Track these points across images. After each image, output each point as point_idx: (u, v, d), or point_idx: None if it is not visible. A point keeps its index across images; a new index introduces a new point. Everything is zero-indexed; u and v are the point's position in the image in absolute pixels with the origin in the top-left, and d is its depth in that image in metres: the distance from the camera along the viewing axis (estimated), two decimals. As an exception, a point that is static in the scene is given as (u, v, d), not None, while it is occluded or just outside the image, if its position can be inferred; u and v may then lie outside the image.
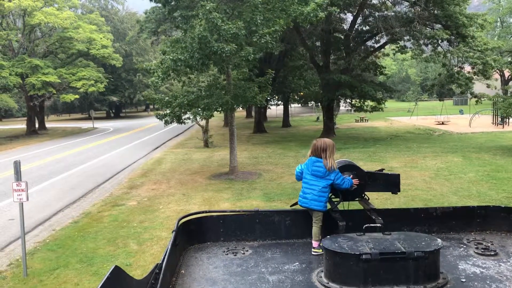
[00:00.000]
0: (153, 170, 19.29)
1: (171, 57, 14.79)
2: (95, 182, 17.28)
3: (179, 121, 17.05)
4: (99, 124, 55.43)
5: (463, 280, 3.03)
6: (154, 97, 17.75)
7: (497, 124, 32.60)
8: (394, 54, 36.17)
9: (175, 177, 17.21)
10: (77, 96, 47.30)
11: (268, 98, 30.31)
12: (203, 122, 26.21)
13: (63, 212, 13.02)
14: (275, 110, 56.19)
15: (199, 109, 16.46)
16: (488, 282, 2.99)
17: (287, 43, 28.48)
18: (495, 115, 32.96)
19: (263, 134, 34.66)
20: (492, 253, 3.47)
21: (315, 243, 3.60)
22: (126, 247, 9.44)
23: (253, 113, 44.47)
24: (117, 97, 69.70)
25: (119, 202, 13.57)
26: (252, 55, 15.03)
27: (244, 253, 3.62)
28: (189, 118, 18.55)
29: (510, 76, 52.34)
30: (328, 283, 2.91)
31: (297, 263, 3.36)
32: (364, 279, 2.80)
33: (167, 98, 16.85)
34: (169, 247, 3.07)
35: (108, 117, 76.45)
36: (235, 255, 3.57)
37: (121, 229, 10.72)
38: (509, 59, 45.99)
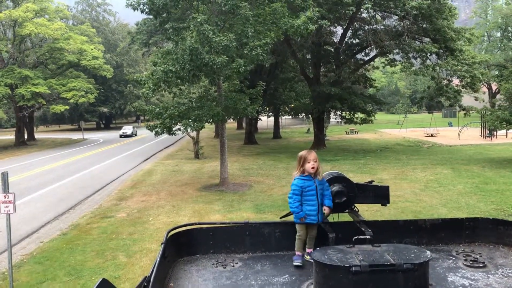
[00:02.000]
0: (143, 181, 19.17)
1: (162, 69, 14.81)
2: (84, 194, 17.13)
3: (170, 132, 17.01)
4: (89, 135, 55.10)
5: (452, 292, 3.03)
6: (144, 108, 17.72)
7: (485, 136, 32.95)
8: (383, 67, 36.56)
9: (165, 188, 17.11)
10: (67, 107, 47.10)
11: (259, 110, 30.33)
12: (193, 133, 26.18)
13: (51, 224, 12.87)
14: (266, 121, 56.33)
15: (190, 120, 16.46)
16: (476, 294, 3.00)
17: (278, 55, 28.67)
18: (483, 128, 33.32)
19: (254, 145, 34.69)
20: (481, 265, 3.49)
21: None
22: (115, 260, 9.33)
23: (244, 125, 44.54)
24: (107, 108, 69.48)
25: (108, 214, 13.44)
26: (243, 67, 15.09)
27: (233, 266, 3.59)
28: (179, 129, 18.51)
29: (497, 89, 53.06)
30: (318, 296, 2.89)
31: (287, 276, 3.35)
32: (354, 291, 2.80)
33: (157, 109, 16.82)
34: (158, 259, 3.05)
35: (98, 128, 76.08)
36: (225, 268, 3.55)
37: (110, 241, 10.60)
38: (496, 73, 46.69)
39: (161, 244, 3.38)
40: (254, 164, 23.15)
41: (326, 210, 3.81)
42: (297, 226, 3.80)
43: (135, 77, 17.18)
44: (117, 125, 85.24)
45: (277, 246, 3.92)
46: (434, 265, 3.44)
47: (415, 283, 2.86)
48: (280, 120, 46.30)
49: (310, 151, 3.81)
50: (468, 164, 20.40)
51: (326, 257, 2.96)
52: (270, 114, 46.56)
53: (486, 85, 50.77)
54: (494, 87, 53.23)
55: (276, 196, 14.76)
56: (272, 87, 33.60)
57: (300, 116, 57.90)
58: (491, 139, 31.68)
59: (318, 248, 3.18)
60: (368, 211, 10.70)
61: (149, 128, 17.23)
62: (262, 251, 3.90)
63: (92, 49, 44.48)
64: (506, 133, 29.66)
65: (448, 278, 3.28)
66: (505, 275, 3.34)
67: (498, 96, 33.71)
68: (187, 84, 17.42)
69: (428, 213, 11.83)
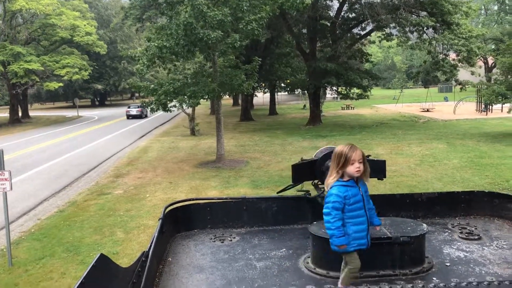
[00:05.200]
0: (139, 158, 19.17)
1: (156, 44, 14.62)
2: (80, 171, 17.13)
3: (165, 109, 16.92)
4: (84, 113, 54.80)
5: (448, 264, 3.07)
6: (139, 84, 17.56)
7: (481, 111, 32.99)
8: (380, 42, 36.29)
9: (162, 165, 17.13)
10: (61, 84, 46.63)
11: (255, 86, 30.19)
12: (189, 110, 26.07)
13: (48, 201, 12.89)
14: (261, 98, 56.10)
15: (185, 97, 16.35)
16: (471, 265, 3.04)
17: (273, 30, 28.33)
18: (479, 102, 33.33)
19: (250, 122, 34.62)
20: (476, 237, 3.53)
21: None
22: (113, 236, 9.39)
23: (239, 101, 44.36)
24: (102, 85, 68.89)
25: (105, 191, 13.47)
26: (239, 42, 14.93)
27: (231, 240, 3.62)
28: (175, 106, 18.41)
29: (493, 64, 52.89)
30: (315, 268, 2.93)
31: (284, 249, 3.38)
32: (351, 264, 2.82)
33: (152, 85, 16.69)
34: (156, 234, 3.06)
35: (93, 105, 75.64)
36: (222, 242, 3.58)
37: (108, 218, 10.66)
38: (493, 47, 46.42)
39: (159, 220, 3.39)
40: (250, 141, 23.16)
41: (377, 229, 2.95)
42: (348, 255, 2.73)
43: (129, 53, 17.01)
44: (112, 102, 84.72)
45: (274, 221, 3.94)
46: (430, 238, 3.47)
47: (411, 255, 2.89)
48: (276, 96, 46.11)
49: (353, 147, 2.79)
50: (463, 139, 20.47)
51: (323, 230, 2.98)
52: (266, 90, 46.34)
53: (482, 59, 50.55)
54: (490, 61, 53.02)
55: (272, 172, 14.81)
56: (268, 62, 33.33)
57: (296, 92, 57.65)
58: (487, 114, 31.73)
59: (315, 222, 3.20)
60: (364, 186, 10.77)
61: (144, 104, 17.12)
62: (259, 226, 3.92)
63: (85, 25, 43.79)
64: (502, 107, 29.69)
65: (444, 251, 3.32)
66: (500, 247, 3.39)
67: (494, 70, 33.60)
68: (181, 60, 17.23)
69: (423, 187, 11.91)
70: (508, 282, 1.53)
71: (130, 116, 44.30)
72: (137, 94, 76.07)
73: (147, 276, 2.47)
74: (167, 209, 3.64)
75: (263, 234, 3.77)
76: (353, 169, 2.74)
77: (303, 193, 3.93)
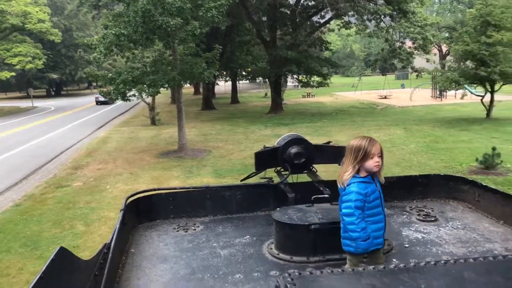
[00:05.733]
0: (98, 149, 18.72)
1: (113, 32, 14.23)
2: (37, 163, 16.56)
3: (124, 98, 16.55)
4: (39, 103, 52.85)
5: (407, 245, 3.18)
6: (96, 73, 17.07)
7: (436, 97, 34.09)
8: (339, 30, 36.71)
9: (122, 156, 16.80)
10: (13, 74, 44.76)
11: (216, 74, 29.98)
12: (149, 99, 25.62)
13: (3, 195, 12.41)
14: (223, 86, 55.81)
15: (145, 85, 16.04)
16: (429, 246, 3.16)
17: (233, 17, 28.13)
18: (434, 89, 34.42)
19: (212, 110, 34.42)
20: (433, 219, 3.67)
21: None
22: (73, 229, 9.17)
23: (201, 90, 43.97)
24: (57, 74, 66.50)
25: (63, 183, 13.10)
26: (199, 30, 14.75)
27: (195, 229, 3.61)
28: (134, 95, 18.03)
29: (447, 51, 54.69)
30: (278, 254, 2.96)
31: (248, 236, 3.40)
32: (314, 249, 2.88)
33: (110, 74, 16.27)
34: (118, 226, 3.01)
35: (48, 96, 73.01)
36: (186, 232, 3.56)
37: (67, 211, 10.39)
38: (447, 35, 47.88)
39: (121, 211, 3.33)
40: (212, 130, 23.05)
41: None
42: (351, 259, 2.61)
43: (85, 41, 16.47)
44: (69, 92, 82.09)
45: (238, 209, 3.96)
46: (389, 220, 3.58)
47: (371, 238, 2.97)
48: (237, 84, 45.97)
49: (372, 140, 2.65)
50: (419, 124, 21.12)
51: (287, 216, 3.02)
52: (227, 78, 46.12)
53: (437, 47, 52.13)
54: (444, 49, 54.77)
55: (235, 161, 14.82)
56: (229, 50, 33.13)
57: (257, 81, 57.71)
58: (441, 100, 32.82)
59: (278, 208, 3.23)
60: (326, 172, 10.95)
61: (102, 94, 16.69)
62: (223, 214, 3.93)
63: (37, 12, 42.03)
64: (455, 93, 30.78)
65: (403, 233, 3.43)
66: (455, 227, 3.53)
67: (448, 58, 34.73)
68: (140, 48, 16.84)
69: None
70: (463, 260, 1.59)
71: (99, 102, 46.48)
72: (94, 84, 73.99)
73: (109, 268, 2.43)
74: (129, 200, 3.58)
75: (227, 222, 3.77)
76: (372, 163, 2.59)
77: (266, 180, 3.96)
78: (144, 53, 19.38)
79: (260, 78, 46.98)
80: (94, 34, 54.68)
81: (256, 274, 2.74)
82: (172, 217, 3.87)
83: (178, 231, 3.59)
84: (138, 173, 13.84)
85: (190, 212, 3.90)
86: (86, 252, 7.64)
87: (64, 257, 2.32)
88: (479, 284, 1.48)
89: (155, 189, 4.02)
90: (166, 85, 16.47)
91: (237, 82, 46.01)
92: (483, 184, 3.88)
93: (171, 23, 13.77)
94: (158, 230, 3.66)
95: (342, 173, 2.65)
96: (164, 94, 39.53)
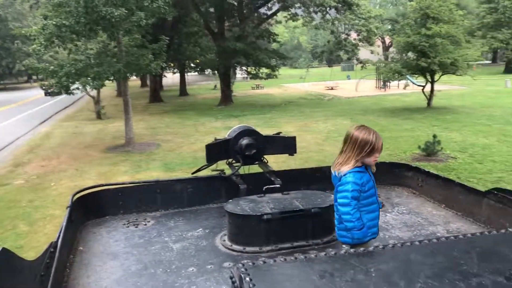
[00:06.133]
0: (41, 145, 17.93)
1: (54, 23, 13.62)
2: (-27, 162, 15.64)
3: (67, 91, 15.93)
4: (-28, 98, 49.81)
5: (355, 231, 3.27)
6: (37, 66, 16.28)
7: (380, 88, 35.20)
8: (286, 22, 37.05)
9: (67, 152, 16.19)
10: None
11: (163, 66, 29.45)
12: (94, 92, 24.79)
13: None
14: (171, 78, 54.90)
15: (89, 78, 15.50)
16: (376, 231, 3.27)
17: (180, 8, 27.68)
18: (378, 80, 35.52)
19: (160, 103, 33.82)
20: (380, 205, 3.80)
21: None
22: (15, 229, 8.76)
23: (148, 82, 43.06)
24: (-8, 67, 62.94)
25: (3, 182, 12.46)
26: (144, 21, 14.41)
27: (146, 224, 3.55)
28: (78, 88, 17.41)
29: (390, 43, 56.58)
30: (231, 245, 2.97)
31: (201, 229, 3.39)
32: (266, 238, 2.91)
33: (52, 67, 15.58)
34: (64, 223, 2.90)
35: (-17, 90, 68.95)
36: (137, 227, 3.49)
37: (8, 210, 9.89)
38: (389, 27, 49.43)
39: (67, 208, 3.22)
40: (161, 123, 22.67)
41: None
42: (362, 246, 2.48)
43: (23, 32, 15.66)
44: (6, 86, 77.90)
45: (190, 202, 3.93)
46: None
47: (322, 225, 3.04)
48: (186, 76, 45.38)
49: (378, 135, 2.64)
50: (365, 114, 21.76)
51: (239, 208, 3.02)
52: (175, 70, 45.40)
53: (380, 39, 53.75)
54: (387, 40, 56.62)
55: (185, 154, 14.67)
56: (176, 42, 32.60)
57: (206, 72, 57.23)
58: (385, 90, 33.94)
59: (230, 200, 3.24)
60: (276, 163, 11.06)
61: (44, 88, 15.98)
62: (174, 208, 3.88)
63: (-32, 1, 39.47)
64: (398, 84, 31.92)
65: None
66: (400, 212, 3.68)
67: (391, 49, 35.95)
68: (83, 39, 16.24)
69: (330, 161, 12.33)
70: (410, 244, 1.67)
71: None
72: (35, 77, 70.61)
73: (56, 267, 2.34)
74: (75, 197, 3.47)
75: (179, 216, 3.74)
76: (373, 158, 2.60)
77: (217, 172, 3.95)
78: (88, 45, 18.72)
79: (209, 70, 46.60)
80: (33, 25, 52.07)
81: (209, 267, 2.73)
82: (121, 212, 3.79)
83: (128, 226, 3.52)
84: (84, 169, 13.40)
85: (140, 207, 3.83)
86: (30, 252, 7.33)
87: (6, 258, 2.22)
88: (424, 265, 1.55)
89: (102, 185, 3.91)
90: (112, 78, 16.01)
91: (186, 74, 45.41)
92: (426, 170, 4.07)
93: (115, 14, 13.36)
94: (107, 226, 3.57)
95: (340, 164, 2.61)
96: (110, 87, 38.39)
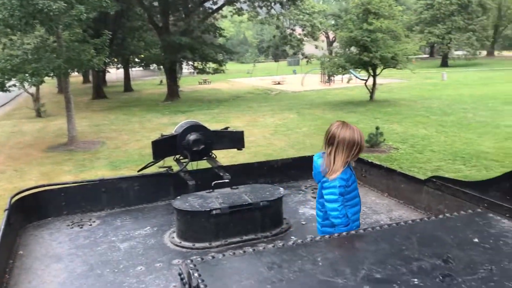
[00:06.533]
0: (-25, 146, 16.92)
1: (-15, 16, 12.85)
2: None
3: (3, 89, 15.11)
4: None
5: (303, 222, 3.34)
6: (-32, 62, 15.31)
7: (325, 82, 35.95)
8: (231, 16, 36.94)
9: (4, 152, 15.37)
10: None
11: (106, 61, 28.58)
12: (32, 89, 23.66)
13: None
14: (115, 74, 53.36)
15: (27, 75, 14.77)
16: (323, 221, 3.35)
17: (123, 2, 26.92)
18: (323, 74, 36.27)
19: (104, 100, 32.80)
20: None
21: None
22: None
23: (90, 78, 41.65)
24: None
25: None
26: (85, 15, 13.89)
27: (91, 225, 3.45)
28: (15, 85, 16.56)
29: (334, 38, 57.87)
30: (180, 242, 2.95)
31: (149, 227, 3.33)
32: (216, 234, 2.91)
33: (-15, 63, 14.71)
34: (2, 227, 2.76)
35: None
36: (81, 228, 3.38)
37: None
38: (333, 22, 50.52)
39: (5, 211, 3.06)
40: (105, 120, 22.00)
41: None
42: None
43: (-50, 25, 14.64)
44: None
45: (137, 200, 3.85)
46: (286, 200, 3.73)
47: (271, 218, 3.08)
48: (130, 72, 44.26)
49: (362, 135, 2.66)
50: (311, 108, 22.18)
51: (187, 204, 3.00)
52: (119, 66, 44.16)
53: (324, 34, 54.84)
54: (331, 35, 57.84)
55: (131, 151, 14.34)
56: (120, 36, 31.72)
57: (151, 68, 56.09)
58: (330, 84, 34.70)
59: (178, 197, 3.20)
60: (225, 158, 11.06)
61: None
62: (121, 207, 3.79)
63: None
64: (342, 78, 32.74)
65: (299, 210, 3.60)
66: (346, 202, 3.78)
67: (334, 44, 36.77)
68: (19, 33, 15.44)
69: (278, 155, 12.66)
70: (363, 230, 1.72)
71: None
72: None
73: (-5, 273, 2.23)
74: (14, 199, 3.31)
75: (126, 214, 3.66)
76: (356, 157, 2.65)
77: (165, 169, 3.90)
78: (24, 39, 17.82)
79: (154, 65, 45.69)
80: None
81: (158, 265, 2.70)
82: (65, 213, 3.65)
83: (72, 227, 3.40)
84: (24, 169, 12.79)
85: (85, 207, 3.71)
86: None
87: None
88: (368, 252, 1.60)
89: (44, 185, 3.75)
90: (52, 74, 15.34)
91: (130, 69, 44.28)
92: (369, 160, 4.21)
93: (54, 7, 12.78)
94: (49, 228, 3.43)
95: (334, 168, 2.56)
96: (50, 84, 36.80)
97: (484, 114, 17.84)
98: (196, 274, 1.40)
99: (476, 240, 1.68)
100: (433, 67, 49.08)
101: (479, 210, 2.54)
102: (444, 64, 51.63)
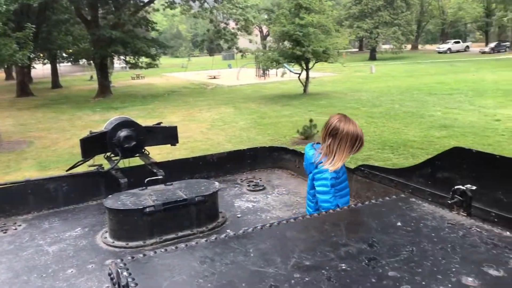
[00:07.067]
0: None
1: None
2: None
3: None
4: None
5: (239, 215, 3.37)
6: None
7: (260, 76, 36.30)
8: (164, 10, 36.25)
9: None
10: None
11: (31, 56, 27.04)
12: None
13: None
14: (41, 70, 50.66)
15: None
16: (259, 213, 3.40)
17: (47, -6, 25.58)
18: (258, 68, 36.58)
19: (30, 97, 31.03)
20: (261, 188, 3.96)
21: None
22: None
23: (14, 74, 39.23)
24: None
25: None
26: (4, 7, 13.07)
27: (16, 229, 3.26)
28: None
29: (267, 32, 58.45)
30: (113, 242, 2.87)
31: (79, 228, 3.21)
32: (150, 232, 2.86)
33: None
34: None
35: None
36: (5, 232, 3.19)
37: None
38: (266, 16, 51.01)
39: None
40: (32, 119, 20.85)
41: None
42: None
43: None
44: None
45: (66, 201, 3.69)
46: (222, 194, 3.74)
47: (206, 213, 3.07)
48: (58, 67, 42.19)
49: (361, 130, 2.70)
50: (247, 102, 22.31)
51: (119, 202, 2.92)
52: (45, 61, 41.95)
53: (258, 28, 55.27)
54: (264, 30, 58.40)
55: (61, 151, 13.71)
56: (45, 30, 30.10)
57: (81, 63, 53.82)
58: (265, 78, 35.09)
59: (110, 196, 3.10)
60: (160, 154, 10.86)
61: None
62: (49, 208, 3.62)
63: None
64: (276, 72, 33.19)
65: (235, 204, 3.62)
66: (280, 193, 3.86)
67: (268, 38, 37.18)
68: None
69: (216, 149, 12.63)
70: (285, 221, 1.76)
71: None
72: None
73: None
74: None
75: (54, 216, 3.49)
76: (358, 152, 2.68)
77: (95, 167, 3.76)
78: None
79: (84, 60, 43.88)
80: None
81: (90, 266, 2.61)
82: None
83: (-5, 233, 3.20)
84: None
85: (8, 211, 3.50)
86: None
87: None
88: (299, 241, 1.65)
89: (-40, 189, 3.50)
90: (-31, 70, 14.32)
91: (58, 64, 42.20)
92: (302, 152, 4.31)
93: (-32, -2, 11.93)
94: (-31, 235, 3.20)
95: (334, 160, 2.59)
96: (-32, 81, 34.30)
97: (410, 104, 18.83)
98: (125, 273, 1.37)
99: (399, 224, 1.77)
100: (362, 60, 51.04)
101: (403, 195, 2.68)
102: (373, 57, 53.88)
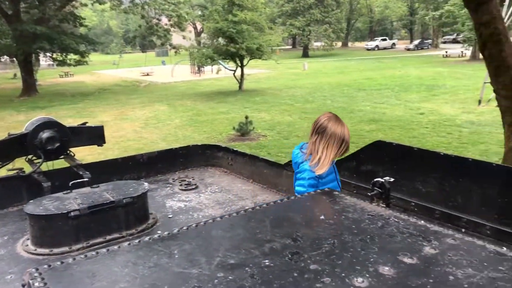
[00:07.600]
0: None
1: None
2: None
3: None
4: None
5: (170, 216, 3.32)
6: None
7: (195, 73, 35.98)
8: (92, 5, 34.87)
9: None
10: None
11: None
12: None
13: None
14: (-44, 68, 47.00)
15: None
16: (191, 213, 3.37)
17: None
18: (193, 65, 36.22)
19: None
20: (194, 187, 3.92)
21: None
22: None
23: None
24: None
25: None
26: None
27: None
28: None
29: (202, 29, 58.00)
30: (35, 249, 2.72)
31: (-2, 237, 3.01)
32: (76, 237, 2.74)
33: None
34: None
35: None
36: None
37: None
38: (200, 13, 50.61)
39: None
40: None
41: None
42: None
43: None
44: None
45: None
46: (153, 195, 3.66)
47: (135, 214, 2.99)
48: (-24, 65, 39.34)
49: (348, 131, 2.64)
50: (182, 99, 22.04)
51: (41, 208, 2.77)
52: (-39, 58, 38.93)
53: (192, 24, 54.67)
54: (199, 26, 57.92)
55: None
56: (-42, 25, 27.92)
57: (2, 60, 50.48)
58: (200, 75, 34.82)
59: (31, 201, 2.94)
60: (91, 155, 10.45)
61: None
62: None
63: None
64: (212, 69, 33.04)
65: (167, 204, 3.56)
66: (213, 191, 3.85)
67: (202, 35, 36.89)
68: None
69: (150, 148, 12.32)
70: (212, 220, 1.75)
71: None
72: None
73: None
74: None
75: None
76: (343, 155, 2.67)
77: (15, 172, 3.55)
78: None
79: (6, 57, 41.18)
80: None
81: (9, 277, 2.46)
82: None
83: None
84: None
85: None
86: None
87: None
88: (224, 239, 1.65)
89: None
90: None
91: (-24, 62, 39.34)
92: (234, 149, 4.33)
93: None
94: None
95: (322, 164, 2.53)
96: None
97: (340, 100, 19.48)
98: (36, 284, 1.30)
99: (322, 217, 1.82)
100: (295, 57, 52.07)
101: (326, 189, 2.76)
102: (305, 54, 55.13)
